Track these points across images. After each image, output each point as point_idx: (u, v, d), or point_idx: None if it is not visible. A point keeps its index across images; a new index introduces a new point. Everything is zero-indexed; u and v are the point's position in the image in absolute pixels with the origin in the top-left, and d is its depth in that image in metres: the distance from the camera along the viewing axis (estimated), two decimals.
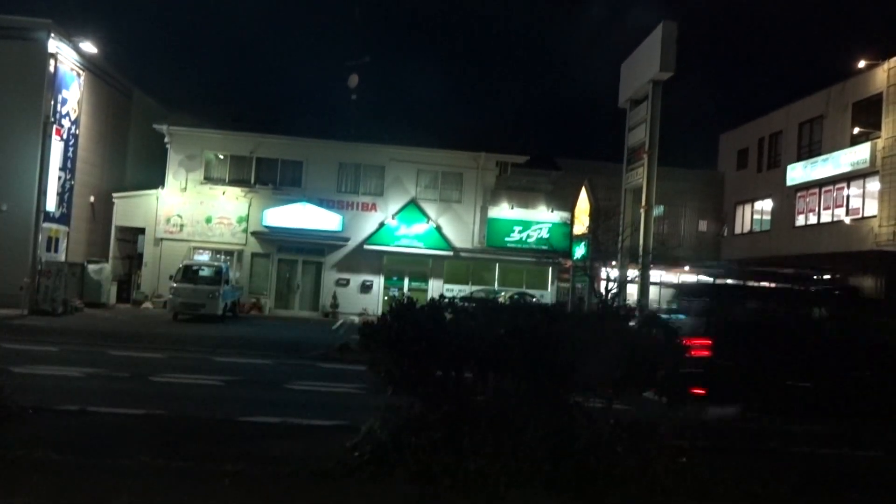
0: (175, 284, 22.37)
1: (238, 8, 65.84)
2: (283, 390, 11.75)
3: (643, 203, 24.29)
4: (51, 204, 23.21)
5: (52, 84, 23.83)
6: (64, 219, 25.36)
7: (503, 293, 23.78)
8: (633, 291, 22.55)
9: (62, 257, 25.25)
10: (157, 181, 28.03)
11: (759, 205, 33.33)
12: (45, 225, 23.92)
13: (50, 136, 22.74)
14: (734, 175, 35.57)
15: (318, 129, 27.66)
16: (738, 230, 35.45)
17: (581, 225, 24.28)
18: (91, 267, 24.86)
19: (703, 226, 36.40)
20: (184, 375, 12.23)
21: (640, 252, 23.53)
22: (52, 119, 23.67)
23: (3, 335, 15.99)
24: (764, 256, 31.15)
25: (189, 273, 22.80)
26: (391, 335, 6.44)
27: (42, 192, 22.31)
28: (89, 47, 24.89)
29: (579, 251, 24.02)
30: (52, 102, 23.79)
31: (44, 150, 22.59)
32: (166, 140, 27.49)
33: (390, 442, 6.11)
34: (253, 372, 13.48)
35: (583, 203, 24.34)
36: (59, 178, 24.14)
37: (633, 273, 22.17)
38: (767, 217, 32.36)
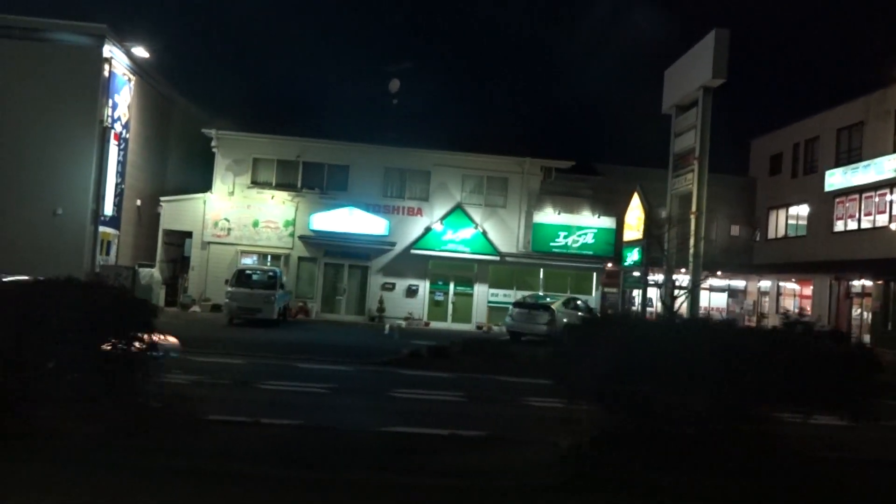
0: (231, 289, 22.47)
1: (280, 11, 65.85)
2: (391, 399, 11.81)
3: (693, 209, 24.42)
4: (108, 208, 23.31)
5: (106, 89, 23.97)
6: (115, 222, 25.45)
7: (556, 298, 23.86)
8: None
9: (113, 261, 25.37)
10: (197, 185, 28.16)
11: (794, 210, 33.42)
12: (100, 229, 24.08)
13: (108, 141, 22.88)
14: (767, 180, 35.66)
15: (364, 133, 27.75)
16: (770, 235, 35.54)
17: (633, 231, 24.37)
18: (142, 271, 24.94)
19: (734, 230, 36.54)
20: (284, 383, 12.30)
21: (691, 258, 23.70)
22: (107, 123, 23.82)
23: None
24: (800, 261, 31.33)
25: (244, 278, 22.91)
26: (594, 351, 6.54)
27: (101, 197, 22.45)
28: (141, 52, 25.10)
29: (631, 257, 24.13)
30: (107, 107, 23.96)
31: (102, 154, 22.73)
32: (213, 144, 27.59)
33: (596, 457, 6.22)
34: (346, 379, 13.53)
35: (635, 209, 24.44)
36: (114, 182, 24.25)
37: (686, 279, 22.26)
38: (803, 222, 32.44)
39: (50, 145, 23.16)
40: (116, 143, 23.50)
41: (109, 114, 24.13)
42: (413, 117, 28.84)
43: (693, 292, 19.68)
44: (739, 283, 34.73)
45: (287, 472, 6.08)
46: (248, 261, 27.02)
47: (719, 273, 29.96)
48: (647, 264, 22.99)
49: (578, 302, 24.32)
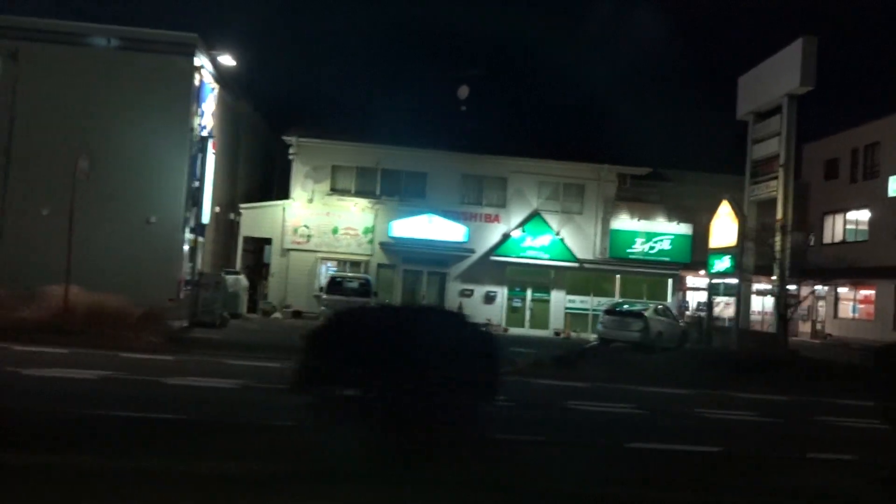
0: (326, 296, 22.54)
1: (352, 17, 65.82)
2: (573, 411, 11.75)
3: (779, 216, 24.67)
4: (206, 216, 23.37)
5: (196, 97, 24.03)
6: (201, 230, 25.49)
7: (646, 305, 23.97)
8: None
9: (199, 269, 25.39)
10: (266, 192, 28.25)
11: (852, 215, 33.57)
12: (188, 236, 24.12)
13: (206, 150, 22.94)
14: (821, 185, 35.78)
15: (441, 140, 27.86)
16: (826, 240, 35.66)
17: (722, 238, 24.55)
18: (228, 278, 25.00)
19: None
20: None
21: (778, 265, 23.95)
22: (197, 132, 23.89)
23: (223, 352, 16.00)
24: (861, 267, 31.52)
25: (337, 285, 22.99)
26: None
27: (199, 205, 22.50)
28: (227, 60, 25.14)
29: (721, 264, 24.31)
30: (196, 116, 24.01)
31: (194, 163, 22.77)
32: (292, 151, 27.66)
33: None
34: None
35: (724, 217, 24.63)
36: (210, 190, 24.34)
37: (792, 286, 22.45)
38: (864, 227, 32.59)
39: (143, 154, 23.18)
40: (214, 151, 23.55)
41: (199, 122, 24.20)
42: (488, 123, 28.87)
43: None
44: (791, 288, 34.87)
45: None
46: (329, 268, 27.13)
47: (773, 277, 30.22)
48: (741, 271, 23.17)
49: (664, 308, 24.48)
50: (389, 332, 6.63)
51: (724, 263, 24.01)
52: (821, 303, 35.13)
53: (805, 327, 34.61)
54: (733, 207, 24.12)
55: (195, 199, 23.94)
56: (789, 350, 21.66)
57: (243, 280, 25.60)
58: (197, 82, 24.00)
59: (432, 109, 30.01)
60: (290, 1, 62.18)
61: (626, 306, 23.51)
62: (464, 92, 30.70)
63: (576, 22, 62.72)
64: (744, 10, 71.10)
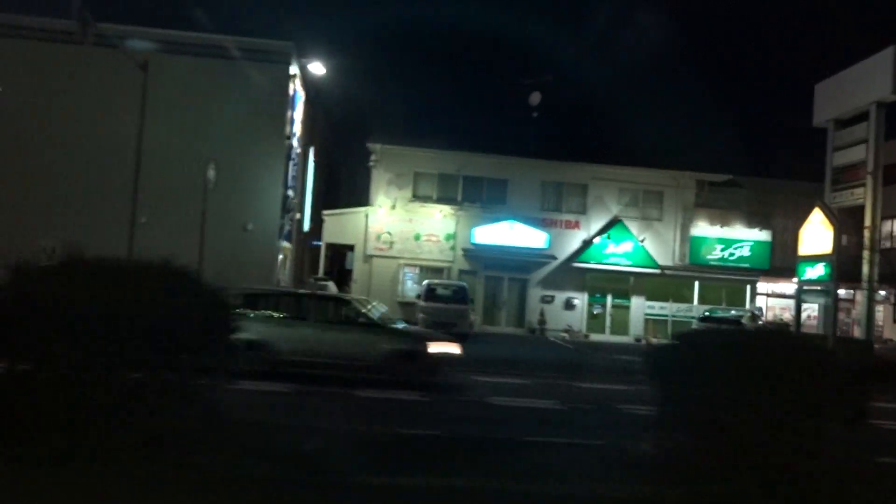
0: (423, 303, 22.64)
1: (428, 22, 65.81)
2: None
3: (867, 223, 24.82)
4: (307, 223, 23.50)
5: (291, 105, 24.19)
6: (288, 237, 25.66)
7: (742, 312, 24.11)
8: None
9: (288, 275, 25.55)
10: (344, 198, 28.34)
11: None
12: (282, 244, 24.27)
13: (308, 157, 23.09)
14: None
15: (521, 146, 27.98)
16: (885, 244, 35.71)
17: (813, 245, 24.64)
18: (318, 284, 25.10)
19: (844, 240, 36.76)
20: (636, 406, 12.26)
21: (867, 271, 24.12)
22: (289, 139, 24.04)
23: None
24: None
25: (434, 293, 23.07)
26: None
27: (301, 212, 22.63)
28: (318, 69, 25.26)
29: (813, 272, 24.42)
30: (289, 123, 24.18)
31: (302, 170, 22.90)
32: (373, 158, 27.79)
33: None
34: None
35: (816, 224, 24.73)
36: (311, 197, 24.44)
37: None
38: None
39: (240, 161, 23.32)
40: (315, 160, 23.69)
41: (292, 130, 24.36)
42: (565, 128, 29.02)
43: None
44: (844, 293, 34.89)
45: None
46: (412, 274, 27.27)
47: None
48: (836, 279, 23.29)
49: (755, 314, 24.63)
50: None
51: (817, 271, 24.10)
52: (879, 308, 35.26)
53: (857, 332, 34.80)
54: (826, 214, 24.22)
55: (287, 206, 24.10)
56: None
57: (332, 287, 25.69)
58: (291, 91, 24.18)
59: (508, 115, 30.13)
60: (357, 7, 62.18)
61: (719, 313, 23.63)
62: (535, 98, 30.78)
63: (651, 29, 62.66)
64: (821, 16, 71.15)
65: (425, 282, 23.87)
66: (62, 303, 5.56)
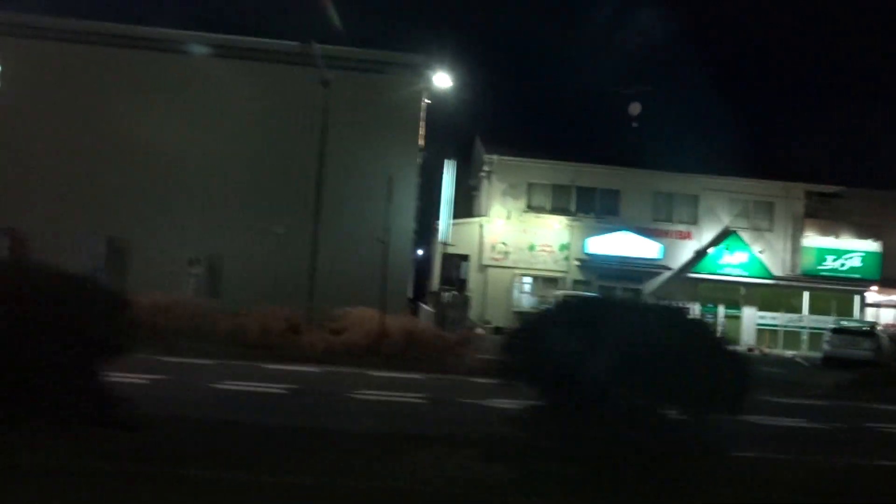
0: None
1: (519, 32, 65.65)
2: None
3: None
4: (445, 234, 23.71)
5: (423, 117, 24.39)
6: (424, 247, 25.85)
7: (867, 323, 24.27)
8: None
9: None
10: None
11: None
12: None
13: (444, 170, 23.28)
14: None
15: (633, 157, 28.15)
16: None
17: None
18: (444, 295, 25.28)
19: None
20: None
21: None
22: (421, 150, 24.24)
23: None
24: None
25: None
26: None
27: (445, 224, 22.84)
28: (445, 80, 25.43)
29: None
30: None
31: (442, 183, 23.11)
32: (486, 169, 28.01)
33: None
34: None
35: None
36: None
37: None
38: None
39: (374, 173, 23.48)
40: (451, 173, 23.91)
41: (422, 142, 24.55)
42: (673, 140, 29.15)
43: None
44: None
45: None
46: (525, 284, 27.51)
47: None
48: None
49: (875, 325, 24.82)
50: None
51: None
52: None
53: None
54: None
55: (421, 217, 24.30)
56: None
57: (448, 297, 25.87)
58: (423, 103, 24.38)
59: (614, 125, 30.32)
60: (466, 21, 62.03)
61: (849, 324, 23.82)
62: (635, 109, 31.00)
63: (758, 35, 62.41)
64: None
65: (563, 294, 23.97)
66: None
